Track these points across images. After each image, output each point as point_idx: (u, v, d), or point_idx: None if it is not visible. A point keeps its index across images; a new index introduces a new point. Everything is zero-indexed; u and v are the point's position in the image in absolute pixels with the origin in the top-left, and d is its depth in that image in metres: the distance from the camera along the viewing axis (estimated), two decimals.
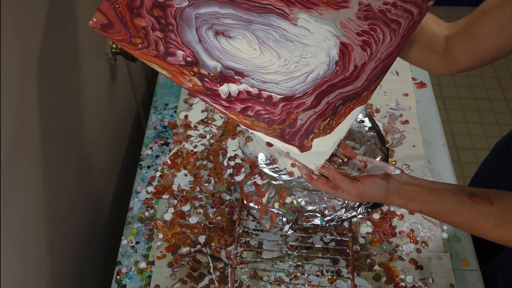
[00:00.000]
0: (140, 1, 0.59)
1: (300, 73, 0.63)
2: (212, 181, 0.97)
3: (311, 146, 0.67)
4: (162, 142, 1.04)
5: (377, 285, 0.84)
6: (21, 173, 0.62)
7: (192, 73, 0.62)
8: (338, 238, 0.89)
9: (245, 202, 0.85)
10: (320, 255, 0.87)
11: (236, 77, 0.63)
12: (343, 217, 0.82)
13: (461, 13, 2.52)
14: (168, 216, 0.92)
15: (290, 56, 0.62)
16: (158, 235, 0.90)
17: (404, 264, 0.87)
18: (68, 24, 0.75)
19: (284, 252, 0.87)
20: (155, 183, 0.97)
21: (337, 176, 0.67)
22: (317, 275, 0.85)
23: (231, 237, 0.89)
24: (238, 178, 0.88)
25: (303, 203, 0.83)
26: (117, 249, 0.89)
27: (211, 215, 0.92)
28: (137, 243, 0.89)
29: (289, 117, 0.65)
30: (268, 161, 0.88)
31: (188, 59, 0.61)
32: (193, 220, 0.92)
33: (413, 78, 1.16)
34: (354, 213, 0.82)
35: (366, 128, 0.91)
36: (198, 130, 1.06)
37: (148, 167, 1.00)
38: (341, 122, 0.66)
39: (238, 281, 0.84)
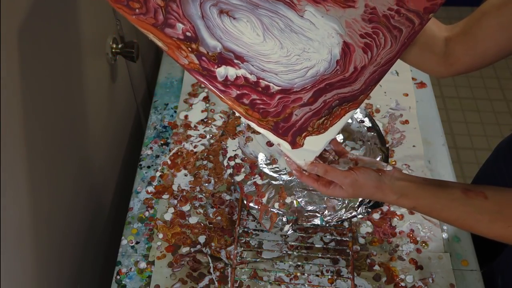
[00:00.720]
0: None
1: (300, 66, 0.63)
2: (212, 181, 0.97)
3: (303, 143, 0.66)
4: (162, 142, 1.04)
5: (377, 285, 0.84)
6: (21, 173, 0.62)
7: (190, 49, 0.60)
8: (338, 238, 0.89)
9: (245, 202, 0.85)
10: (320, 255, 0.87)
11: (235, 61, 0.62)
12: (343, 217, 0.82)
13: (461, 14, 2.53)
14: (168, 216, 0.92)
15: (292, 48, 0.61)
16: (158, 235, 0.90)
17: (404, 264, 0.87)
18: (68, 24, 0.75)
19: (284, 252, 0.87)
20: (155, 183, 0.97)
21: (328, 168, 0.66)
22: (317, 275, 0.85)
23: (231, 237, 0.89)
24: (238, 178, 0.88)
25: (303, 203, 0.83)
26: (117, 249, 0.89)
27: (211, 215, 0.92)
28: (137, 243, 0.89)
29: (285, 111, 0.64)
30: (268, 161, 0.88)
31: (188, 34, 0.59)
32: (193, 220, 0.92)
33: (413, 78, 1.16)
34: (354, 213, 0.82)
35: (366, 128, 0.91)
36: (198, 130, 1.06)
37: (148, 167, 1.00)
38: (335, 123, 0.65)
39: (238, 281, 0.84)
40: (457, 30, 0.70)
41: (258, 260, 0.86)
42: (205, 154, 1.01)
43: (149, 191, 0.96)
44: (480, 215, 0.62)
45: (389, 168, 0.67)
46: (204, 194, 0.95)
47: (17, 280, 0.62)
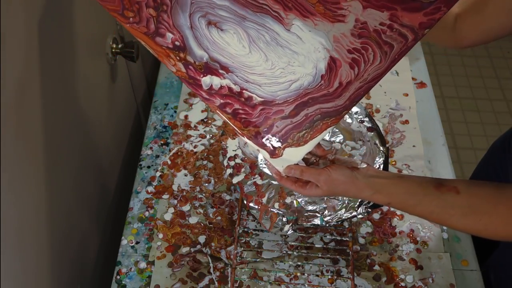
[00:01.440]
0: None
1: (284, 80, 0.62)
2: (212, 181, 0.97)
3: (282, 154, 0.68)
4: (162, 142, 1.04)
5: (377, 285, 0.84)
6: (21, 172, 0.62)
7: (178, 58, 0.61)
8: (338, 238, 0.89)
9: (245, 202, 0.85)
10: (320, 255, 0.87)
11: (220, 71, 0.62)
12: (343, 217, 0.82)
13: None
14: (168, 216, 0.92)
15: (277, 61, 0.61)
16: (158, 235, 0.90)
17: (404, 264, 0.87)
18: (68, 24, 0.75)
19: (284, 252, 0.87)
20: (155, 183, 0.97)
21: (303, 168, 0.68)
22: (317, 275, 0.85)
23: (231, 237, 0.89)
24: (238, 179, 0.88)
25: (303, 203, 0.83)
26: (117, 249, 0.89)
27: (211, 215, 0.92)
28: (137, 243, 0.89)
29: (266, 122, 0.66)
30: None
31: (177, 43, 0.61)
32: (193, 220, 0.92)
33: (413, 78, 1.16)
34: (354, 213, 0.82)
35: (366, 128, 0.91)
36: (198, 130, 1.06)
37: (148, 167, 1.00)
38: (315, 137, 0.66)
39: (238, 281, 0.84)
40: (466, 7, 0.74)
41: (258, 260, 0.86)
42: (205, 154, 1.01)
43: (149, 191, 0.96)
44: (452, 210, 0.63)
45: (363, 165, 0.69)
46: (204, 194, 0.95)
47: (17, 280, 0.62)
